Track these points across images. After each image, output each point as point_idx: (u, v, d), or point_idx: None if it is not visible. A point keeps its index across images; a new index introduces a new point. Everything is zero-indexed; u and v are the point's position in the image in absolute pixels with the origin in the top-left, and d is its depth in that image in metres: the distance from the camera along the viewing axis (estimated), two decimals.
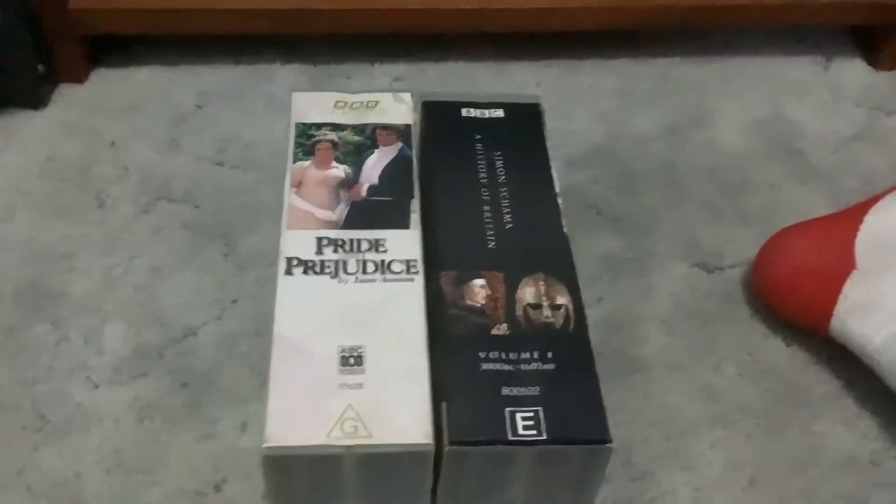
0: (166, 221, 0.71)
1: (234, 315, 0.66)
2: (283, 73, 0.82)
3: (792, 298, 0.65)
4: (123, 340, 0.64)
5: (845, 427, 0.63)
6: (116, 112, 0.78)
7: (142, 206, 0.72)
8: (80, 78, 0.79)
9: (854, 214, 0.67)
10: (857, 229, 0.66)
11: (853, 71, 0.87)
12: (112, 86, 0.80)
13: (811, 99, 0.84)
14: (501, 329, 0.51)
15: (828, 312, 0.63)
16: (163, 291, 0.67)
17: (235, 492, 0.58)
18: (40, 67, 0.76)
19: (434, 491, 0.50)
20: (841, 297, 0.63)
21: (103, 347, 0.64)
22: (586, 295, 0.54)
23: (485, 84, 0.83)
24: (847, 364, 0.64)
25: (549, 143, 0.62)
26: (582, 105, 0.82)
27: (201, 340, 0.64)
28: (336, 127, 0.60)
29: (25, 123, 0.76)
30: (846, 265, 0.64)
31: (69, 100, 0.78)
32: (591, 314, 0.53)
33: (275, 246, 0.55)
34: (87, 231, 0.70)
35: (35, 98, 0.77)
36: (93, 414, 0.60)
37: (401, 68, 0.83)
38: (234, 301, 0.67)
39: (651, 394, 0.64)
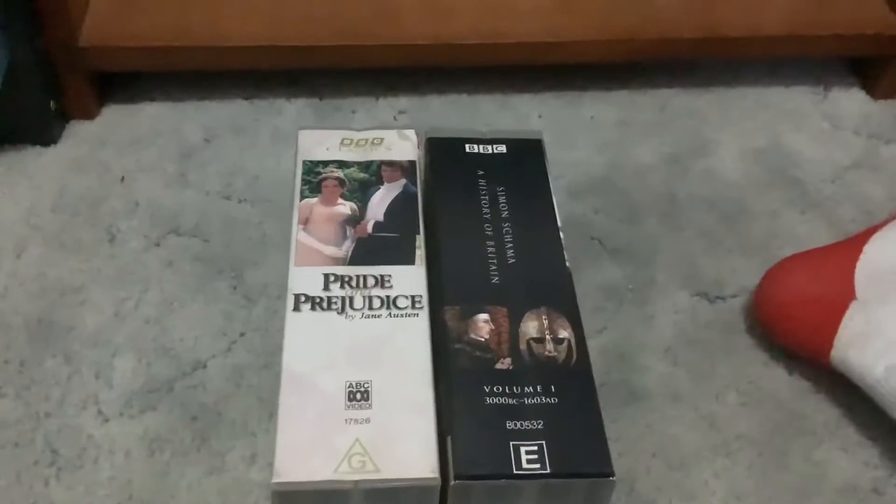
0: (176, 255, 0.72)
1: (243, 348, 0.67)
2: (289, 107, 0.83)
3: (792, 328, 0.66)
4: (134, 374, 0.65)
5: (846, 455, 0.63)
6: (126, 147, 0.79)
7: (151, 239, 0.73)
8: (90, 114, 0.80)
9: (853, 244, 0.68)
10: (856, 259, 0.66)
11: (851, 100, 0.88)
12: (121, 121, 0.81)
13: (809, 128, 0.85)
14: (505, 363, 0.52)
15: (828, 342, 0.64)
16: (172, 324, 0.68)
17: None
18: (52, 104, 0.77)
19: None
20: (841, 327, 0.64)
21: (114, 381, 0.64)
22: (588, 325, 0.55)
23: (488, 115, 0.84)
24: (848, 392, 0.65)
25: (550, 175, 0.63)
26: (583, 136, 0.83)
27: (210, 373, 0.65)
28: (342, 164, 0.61)
29: (36, 159, 0.78)
30: (846, 295, 0.65)
31: (79, 135, 0.80)
32: (593, 344, 0.54)
33: (281, 278, 0.56)
34: (97, 265, 0.71)
35: (46, 134, 0.78)
36: (104, 447, 0.61)
37: (404, 101, 0.85)
38: (242, 334, 0.68)
39: (653, 423, 0.64)
